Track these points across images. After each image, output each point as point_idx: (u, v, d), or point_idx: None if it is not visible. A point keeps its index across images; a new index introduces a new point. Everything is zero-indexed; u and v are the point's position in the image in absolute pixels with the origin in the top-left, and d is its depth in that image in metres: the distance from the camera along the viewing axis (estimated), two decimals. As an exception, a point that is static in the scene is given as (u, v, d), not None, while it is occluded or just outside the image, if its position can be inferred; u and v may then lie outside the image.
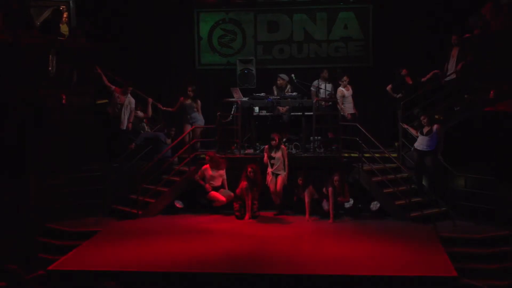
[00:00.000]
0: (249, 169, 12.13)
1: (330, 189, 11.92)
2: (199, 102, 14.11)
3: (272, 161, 12.43)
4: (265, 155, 12.50)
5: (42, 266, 10.79)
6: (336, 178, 11.95)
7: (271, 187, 12.45)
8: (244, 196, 12.21)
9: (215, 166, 12.76)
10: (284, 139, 13.39)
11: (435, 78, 13.66)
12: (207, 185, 12.64)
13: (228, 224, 11.97)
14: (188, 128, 13.92)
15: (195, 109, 14.01)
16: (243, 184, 12.19)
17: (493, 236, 11.17)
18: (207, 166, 12.77)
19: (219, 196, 12.61)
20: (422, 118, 12.52)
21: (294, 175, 12.45)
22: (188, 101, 14.01)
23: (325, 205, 12.19)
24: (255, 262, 9.84)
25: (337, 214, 12.08)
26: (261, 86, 14.47)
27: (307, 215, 12.13)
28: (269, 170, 12.45)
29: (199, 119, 14.06)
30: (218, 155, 12.96)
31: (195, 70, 15.61)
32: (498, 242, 11.07)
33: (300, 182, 12.18)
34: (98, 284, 8.76)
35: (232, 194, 12.60)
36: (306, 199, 12.16)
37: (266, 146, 12.58)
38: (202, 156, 13.59)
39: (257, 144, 13.46)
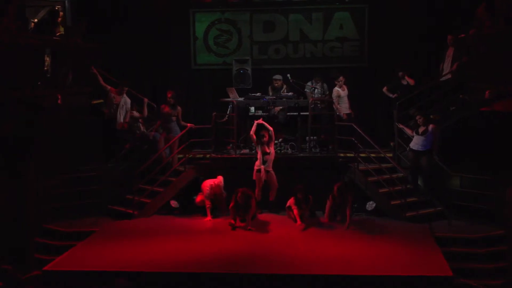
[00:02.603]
0: (239, 194, 11.63)
1: (330, 197, 11.89)
2: (179, 109, 13.58)
3: (266, 157, 12.40)
4: (254, 128, 12.43)
5: (38, 266, 10.82)
6: (336, 186, 11.82)
7: (260, 183, 12.37)
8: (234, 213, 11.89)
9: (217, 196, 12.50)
10: (280, 139, 13.41)
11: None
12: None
13: (224, 224, 11.94)
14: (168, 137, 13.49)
15: (173, 118, 13.48)
16: (230, 206, 11.86)
17: (488, 236, 11.23)
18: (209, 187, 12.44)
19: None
20: (417, 118, 12.54)
21: (289, 175, 12.48)
22: (166, 109, 13.49)
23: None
24: (252, 262, 9.86)
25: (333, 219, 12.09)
26: (257, 86, 14.46)
27: (298, 221, 11.82)
28: (262, 166, 12.36)
29: (174, 130, 13.48)
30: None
31: (191, 70, 15.59)
32: (493, 242, 11.12)
33: (300, 196, 11.83)
34: (109, 281, 8.79)
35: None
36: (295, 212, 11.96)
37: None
38: (198, 156, 13.61)
39: (253, 144, 13.43)
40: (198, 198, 12.59)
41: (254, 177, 12.40)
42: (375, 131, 14.32)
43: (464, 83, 12.95)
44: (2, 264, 9.29)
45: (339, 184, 11.91)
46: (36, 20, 13.49)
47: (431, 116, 13.00)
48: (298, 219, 11.76)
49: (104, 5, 14.82)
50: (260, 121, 12.55)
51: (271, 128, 12.42)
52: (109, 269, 9.61)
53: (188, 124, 13.61)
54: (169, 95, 13.54)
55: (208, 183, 12.42)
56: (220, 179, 12.51)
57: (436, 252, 10.17)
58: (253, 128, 12.41)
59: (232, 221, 11.72)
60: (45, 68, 12.05)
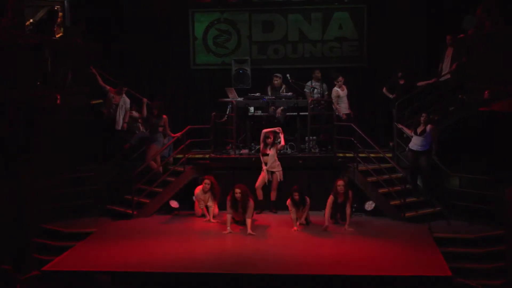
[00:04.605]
0: (236, 190, 11.47)
1: (331, 197, 11.63)
2: (165, 118, 13.32)
3: (265, 158, 12.45)
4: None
5: (37, 266, 10.83)
6: (340, 183, 11.61)
7: (259, 183, 12.47)
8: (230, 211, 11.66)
9: (211, 193, 12.32)
10: (279, 139, 13.42)
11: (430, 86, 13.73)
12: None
13: (223, 224, 11.93)
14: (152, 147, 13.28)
15: (159, 129, 13.23)
16: (228, 204, 11.63)
17: (487, 236, 11.24)
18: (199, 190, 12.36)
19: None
20: (423, 115, 12.52)
21: (288, 175, 12.50)
22: (153, 120, 13.29)
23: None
24: (252, 262, 9.84)
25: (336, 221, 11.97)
26: (256, 86, 14.45)
27: (294, 227, 11.62)
28: (264, 167, 12.48)
29: (159, 140, 13.32)
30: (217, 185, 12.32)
31: (190, 70, 15.58)
32: (492, 242, 11.14)
33: (296, 197, 11.57)
34: (93, 277, 8.79)
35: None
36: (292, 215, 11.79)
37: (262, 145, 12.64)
38: (197, 156, 13.60)
39: (252, 144, 13.46)
40: (199, 211, 12.47)
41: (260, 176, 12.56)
42: (375, 131, 14.32)
43: (464, 83, 12.96)
44: (2, 264, 9.30)
45: (343, 179, 11.78)
46: (31, 20, 13.47)
47: (430, 116, 13.01)
48: (294, 224, 11.68)
49: (104, 5, 14.79)
50: (279, 129, 12.64)
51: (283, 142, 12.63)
52: (108, 269, 9.61)
53: (173, 135, 13.51)
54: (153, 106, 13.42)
55: (199, 188, 12.39)
56: None
57: (435, 252, 10.18)
58: (268, 129, 12.57)
59: (226, 230, 11.45)
60: (44, 68, 12.04)
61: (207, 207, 12.34)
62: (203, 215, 12.41)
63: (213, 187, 12.25)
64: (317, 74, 14.37)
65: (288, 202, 11.71)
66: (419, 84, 13.71)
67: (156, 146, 13.22)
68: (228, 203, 11.56)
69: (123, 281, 9.39)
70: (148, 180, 12.94)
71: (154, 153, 13.16)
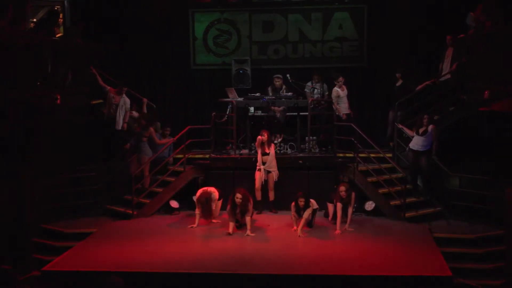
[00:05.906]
0: (237, 194, 11.26)
1: (338, 204, 11.49)
2: (151, 129, 13.19)
3: (265, 158, 12.45)
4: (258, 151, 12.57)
5: (37, 266, 10.83)
6: (342, 188, 11.49)
7: (258, 183, 12.46)
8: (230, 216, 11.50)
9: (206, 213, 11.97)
10: (279, 139, 13.42)
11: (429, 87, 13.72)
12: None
13: (223, 226, 11.92)
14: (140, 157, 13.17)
15: (143, 138, 13.07)
16: (228, 207, 11.48)
17: (487, 236, 11.26)
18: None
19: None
20: (425, 117, 12.52)
21: (288, 175, 12.48)
22: (137, 130, 13.19)
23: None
24: (252, 262, 9.85)
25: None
26: (256, 86, 14.44)
27: (298, 230, 11.33)
28: (261, 166, 12.47)
29: (143, 150, 13.05)
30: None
31: (190, 70, 15.58)
32: (492, 242, 11.15)
33: (301, 204, 11.37)
34: (105, 278, 8.77)
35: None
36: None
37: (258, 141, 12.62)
38: (197, 156, 13.60)
39: (252, 144, 13.45)
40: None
41: (256, 177, 12.49)
42: (375, 131, 14.32)
43: (464, 83, 12.96)
44: (2, 264, 9.29)
45: (345, 184, 11.70)
46: (35, 19, 13.49)
47: (429, 116, 13.01)
48: (294, 224, 11.62)
49: (104, 5, 14.80)
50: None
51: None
52: (108, 270, 9.59)
53: (164, 141, 13.45)
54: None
55: (200, 189, 12.25)
56: (213, 189, 12.13)
57: (436, 252, 10.18)
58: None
59: (229, 230, 11.38)
60: (44, 68, 12.04)
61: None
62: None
63: (206, 203, 11.87)
64: (315, 78, 14.34)
65: (292, 204, 11.67)
66: (418, 88, 13.68)
67: (143, 156, 13.09)
68: (228, 206, 11.49)
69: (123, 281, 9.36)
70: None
71: (142, 163, 13.05)
